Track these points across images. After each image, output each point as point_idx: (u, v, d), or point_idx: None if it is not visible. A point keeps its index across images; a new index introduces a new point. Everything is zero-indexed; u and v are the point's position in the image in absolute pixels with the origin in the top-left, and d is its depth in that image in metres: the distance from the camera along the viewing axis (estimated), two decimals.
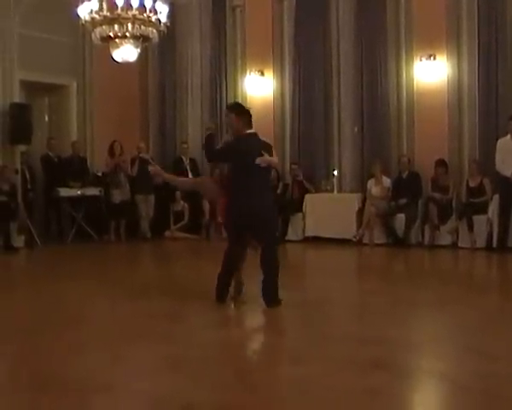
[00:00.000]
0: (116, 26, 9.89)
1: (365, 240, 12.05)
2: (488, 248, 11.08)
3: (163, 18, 10.23)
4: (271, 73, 13.92)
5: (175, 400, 3.94)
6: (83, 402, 3.96)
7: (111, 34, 10.01)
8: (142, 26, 10.01)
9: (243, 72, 14.25)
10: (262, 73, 14.00)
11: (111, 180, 13.46)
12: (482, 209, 11.27)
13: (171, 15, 10.95)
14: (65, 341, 5.37)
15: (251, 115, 7.02)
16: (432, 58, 12.11)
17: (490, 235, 11.16)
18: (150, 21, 10.05)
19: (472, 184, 11.52)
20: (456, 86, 11.93)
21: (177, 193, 13.84)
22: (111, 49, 10.45)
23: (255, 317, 6.44)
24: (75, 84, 14.37)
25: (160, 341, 5.30)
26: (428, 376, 4.50)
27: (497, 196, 11.13)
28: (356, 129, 12.89)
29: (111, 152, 13.52)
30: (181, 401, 3.91)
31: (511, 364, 4.64)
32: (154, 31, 10.24)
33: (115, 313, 6.51)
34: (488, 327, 5.77)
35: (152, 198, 13.78)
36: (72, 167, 13.56)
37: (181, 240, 13.45)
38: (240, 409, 3.88)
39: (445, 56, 12.06)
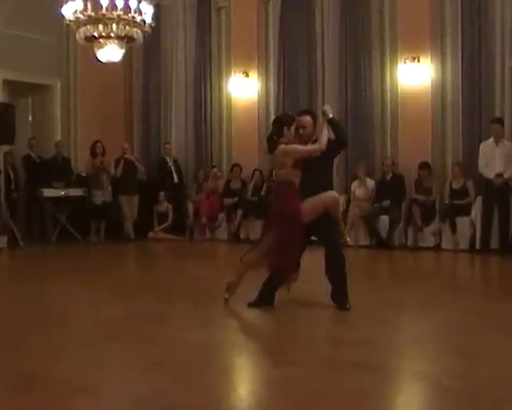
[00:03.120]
0: (100, 27, 9.89)
1: (351, 242, 12.05)
2: (471, 249, 11.15)
3: (148, 19, 10.24)
4: (256, 75, 13.93)
5: (157, 401, 3.92)
6: (65, 403, 3.93)
7: (95, 34, 10.01)
8: (127, 27, 10.02)
9: (228, 73, 14.25)
10: (246, 75, 14.00)
11: (92, 181, 13.40)
12: (465, 211, 11.34)
13: (155, 16, 10.95)
14: (47, 341, 5.33)
15: None
16: (416, 61, 12.18)
17: (473, 237, 11.24)
18: (135, 22, 10.06)
19: (455, 186, 11.59)
20: (440, 89, 12.01)
21: (161, 194, 13.83)
22: (95, 50, 10.44)
23: (239, 318, 6.43)
24: (59, 84, 14.31)
25: (143, 341, 5.28)
26: (412, 377, 4.51)
27: (480, 198, 11.21)
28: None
29: (93, 152, 13.46)
30: (163, 403, 3.89)
31: (493, 365, 4.66)
32: (139, 31, 10.25)
33: (98, 314, 6.48)
34: (471, 329, 5.79)
35: (136, 199, 13.75)
36: (55, 168, 13.50)
37: (164, 241, 13.43)
38: None
39: (428, 59, 12.13)
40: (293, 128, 6.45)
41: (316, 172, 6.45)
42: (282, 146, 6.34)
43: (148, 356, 4.88)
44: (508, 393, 4.07)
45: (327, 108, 6.77)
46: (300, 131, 6.54)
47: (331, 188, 6.78)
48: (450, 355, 4.96)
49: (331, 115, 6.66)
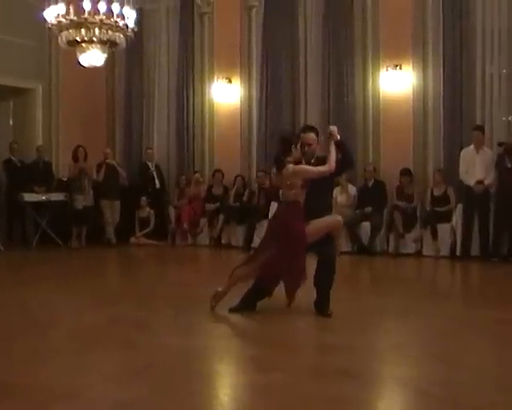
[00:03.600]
0: (83, 31, 9.86)
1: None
2: (452, 256, 11.22)
3: (130, 23, 10.21)
4: (239, 81, 13.94)
5: (139, 408, 3.91)
6: None
7: (78, 38, 9.96)
8: (110, 31, 9.98)
9: (210, 78, 14.25)
10: (229, 81, 14.02)
11: (74, 185, 13.33)
12: (446, 218, 11.41)
13: (138, 21, 10.94)
14: (27, 349, 5.29)
15: None
16: (398, 68, 12.25)
17: (453, 243, 11.31)
18: (117, 26, 10.03)
19: (436, 193, 11.66)
20: (422, 96, 12.08)
21: (143, 199, 13.79)
22: (77, 54, 10.39)
23: (221, 324, 6.42)
24: (41, 88, 14.24)
25: (125, 348, 5.26)
26: (393, 383, 4.52)
27: (460, 205, 11.29)
28: (322, 137, 12.93)
29: (75, 157, 13.39)
30: (144, 409, 3.88)
31: (474, 371, 4.69)
32: (122, 36, 10.21)
33: (79, 321, 6.44)
34: (452, 335, 5.82)
35: (118, 204, 13.71)
36: (36, 172, 13.42)
37: (146, 246, 13.39)
38: None
39: (410, 66, 12.21)
40: (298, 146, 6.45)
41: (319, 192, 6.47)
42: (291, 166, 6.31)
43: (129, 363, 4.86)
44: (488, 399, 4.10)
45: (334, 128, 6.69)
46: (306, 148, 6.53)
47: (331, 206, 6.83)
48: (431, 361, 4.99)
49: (339, 137, 6.63)
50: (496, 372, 4.75)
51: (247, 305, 6.60)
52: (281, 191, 6.77)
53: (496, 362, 5.03)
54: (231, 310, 6.59)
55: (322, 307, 6.50)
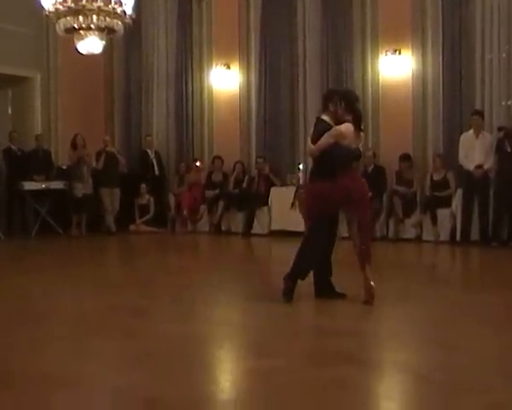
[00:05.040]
0: (81, 18, 9.84)
1: None
2: (451, 241, 11.23)
3: (128, 10, 10.20)
4: (237, 67, 13.91)
5: (139, 394, 3.92)
6: (46, 398, 3.92)
7: (75, 26, 9.94)
8: (107, 18, 9.97)
9: (209, 65, 14.23)
10: (228, 67, 13.99)
11: (73, 173, 13.32)
12: (446, 203, 11.41)
13: (136, 7, 10.92)
14: (28, 337, 5.30)
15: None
16: (397, 53, 12.22)
17: (453, 228, 11.32)
18: (115, 13, 10.02)
19: (436, 178, 11.65)
20: (421, 81, 12.06)
21: (143, 186, 13.80)
22: (75, 41, 10.38)
23: (221, 311, 6.43)
24: (39, 77, 14.20)
25: (125, 335, 5.27)
26: (393, 368, 4.53)
27: (460, 190, 11.28)
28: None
29: (73, 145, 13.38)
30: (145, 395, 3.89)
31: (473, 356, 4.70)
32: (120, 23, 10.21)
33: (79, 308, 6.45)
34: (451, 320, 5.83)
35: (117, 192, 13.70)
36: (36, 161, 13.41)
37: (146, 234, 13.41)
38: (204, 403, 3.88)
39: (409, 51, 12.18)
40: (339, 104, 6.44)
41: None
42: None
43: (129, 350, 4.87)
44: (488, 383, 4.10)
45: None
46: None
47: None
48: (431, 346, 4.99)
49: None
50: (495, 357, 4.76)
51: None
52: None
53: (495, 346, 5.04)
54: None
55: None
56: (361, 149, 6.65)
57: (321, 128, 6.42)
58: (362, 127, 6.48)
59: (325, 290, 6.57)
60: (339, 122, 6.32)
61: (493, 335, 5.39)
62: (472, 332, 5.46)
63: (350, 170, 6.34)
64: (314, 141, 6.42)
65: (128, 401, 3.85)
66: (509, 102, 11.46)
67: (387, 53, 12.29)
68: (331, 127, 6.34)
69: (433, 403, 3.81)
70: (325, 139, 6.27)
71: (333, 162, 6.24)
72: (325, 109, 6.56)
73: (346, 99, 6.44)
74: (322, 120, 6.50)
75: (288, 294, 6.41)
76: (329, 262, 6.66)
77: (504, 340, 5.17)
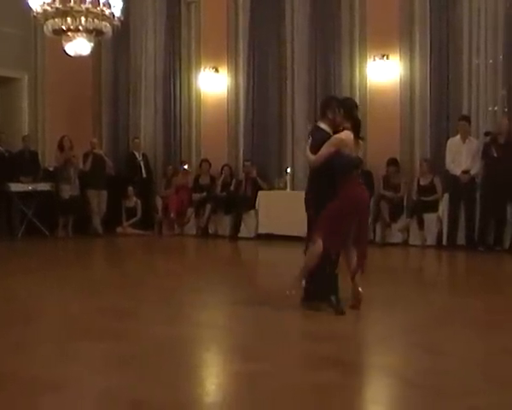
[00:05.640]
0: (69, 19, 9.79)
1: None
2: (438, 245, 11.27)
3: (117, 12, 10.16)
4: (226, 70, 13.91)
5: (124, 396, 3.91)
6: (33, 400, 3.90)
7: (63, 27, 9.90)
8: (96, 20, 9.92)
9: (197, 68, 14.22)
10: (216, 70, 13.99)
11: (60, 175, 13.27)
12: (432, 207, 11.46)
13: (125, 10, 10.88)
14: (14, 339, 5.28)
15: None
16: (385, 58, 12.25)
17: (440, 233, 11.36)
18: (104, 15, 9.97)
19: (423, 183, 11.69)
20: (409, 86, 12.09)
21: (130, 189, 13.76)
22: (63, 43, 10.34)
23: (208, 314, 6.42)
24: (26, 78, 14.13)
25: (111, 338, 5.25)
26: (379, 372, 4.55)
27: (447, 195, 11.33)
28: (309, 127, 12.96)
29: (60, 147, 13.33)
30: (130, 398, 3.88)
31: (459, 360, 4.73)
32: (108, 25, 10.16)
33: (65, 310, 6.43)
34: (437, 324, 5.85)
35: (104, 194, 13.66)
36: (22, 162, 13.33)
37: (133, 236, 13.37)
38: (190, 405, 3.88)
39: (397, 56, 12.21)
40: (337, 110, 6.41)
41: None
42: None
43: (116, 352, 4.85)
44: (474, 387, 4.13)
45: None
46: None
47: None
48: (418, 350, 5.01)
49: None
50: (481, 361, 4.78)
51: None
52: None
53: (480, 351, 5.07)
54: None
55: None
56: (361, 158, 6.55)
57: (319, 137, 6.35)
58: (361, 135, 6.37)
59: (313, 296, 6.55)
60: (337, 130, 6.26)
61: (478, 339, 5.42)
62: (457, 336, 5.48)
63: (351, 178, 6.24)
64: (313, 150, 6.31)
65: (115, 403, 3.85)
66: (495, 108, 11.52)
67: (375, 58, 12.33)
68: (329, 136, 6.27)
69: (418, 407, 3.82)
70: (326, 149, 6.18)
71: (333, 171, 6.17)
72: (323, 117, 6.49)
73: (344, 106, 6.40)
74: (320, 128, 6.44)
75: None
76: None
77: (489, 344, 5.20)
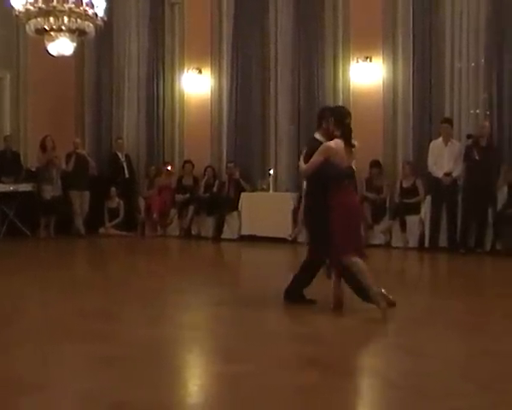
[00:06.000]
0: (51, 19, 9.75)
1: (300, 239, 12.13)
2: (420, 247, 11.32)
3: (100, 12, 10.12)
4: (209, 72, 13.90)
5: (105, 398, 3.89)
6: (15, 402, 3.87)
7: (46, 27, 9.85)
8: (79, 20, 9.89)
9: (181, 69, 14.21)
10: (200, 71, 13.98)
11: (42, 176, 13.21)
12: (415, 210, 11.51)
13: (108, 10, 10.84)
14: None
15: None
16: (368, 60, 12.29)
17: (422, 235, 11.41)
18: (87, 15, 9.94)
19: (405, 185, 11.74)
20: (392, 89, 12.14)
21: (112, 190, 13.71)
22: (46, 42, 10.29)
23: (190, 315, 6.41)
24: (8, 77, 14.06)
25: (93, 339, 5.22)
26: (361, 373, 4.56)
27: (429, 197, 11.38)
28: (292, 127, 13.01)
29: (43, 147, 13.26)
30: (111, 399, 3.86)
31: (441, 362, 4.75)
32: (91, 25, 10.13)
33: (46, 312, 6.39)
34: (419, 325, 5.87)
35: (87, 194, 13.61)
36: (4, 162, 13.26)
37: (115, 237, 13.33)
38: (173, 407, 3.87)
39: (380, 59, 12.25)
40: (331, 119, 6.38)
41: None
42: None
43: (97, 354, 4.82)
44: (455, 389, 4.15)
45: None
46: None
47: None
48: (399, 352, 5.03)
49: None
50: (462, 362, 4.81)
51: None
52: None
53: (463, 353, 5.09)
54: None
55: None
56: (354, 168, 6.43)
57: (312, 147, 6.37)
58: (354, 143, 6.27)
59: (295, 296, 6.58)
60: (331, 139, 6.23)
61: (460, 341, 5.45)
62: (439, 338, 5.50)
63: (342, 187, 6.20)
64: (306, 160, 6.33)
65: (96, 404, 3.83)
66: (477, 111, 11.59)
67: (358, 60, 12.36)
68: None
69: (400, 409, 3.83)
70: (315, 157, 6.18)
71: (326, 180, 6.15)
72: (318, 127, 6.53)
73: (335, 114, 6.40)
74: (315, 138, 6.47)
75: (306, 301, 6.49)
76: (314, 276, 6.63)
77: (470, 346, 5.23)
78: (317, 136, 6.47)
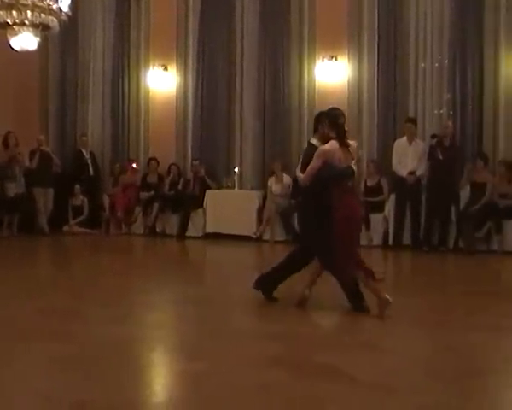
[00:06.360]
0: (14, 13, 9.62)
1: (265, 237, 12.16)
2: (384, 245, 11.40)
3: (64, 7, 10.01)
4: (175, 68, 13.84)
5: (66, 398, 3.83)
6: None
7: (8, 21, 9.71)
8: (42, 14, 9.76)
9: (146, 65, 14.10)
10: (165, 68, 13.90)
11: (5, 173, 13.02)
12: (379, 208, 11.59)
13: (73, 5, 10.72)
14: None
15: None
16: (333, 59, 12.34)
17: (386, 233, 11.50)
18: (51, 10, 9.82)
19: (369, 184, 11.81)
20: (356, 88, 12.21)
21: (77, 187, 13.58)
22: (8, 37, 10.15)
23: (154, 314, 6.37)
24: None
25: (54, 339, 5.15)
26: (325, 371, 4.56)
27: (393, 196, 11.48)
28: (257, 124, 13.01)
29: (5, 144, 13.07)
30: (72, 399, 3.81)
31: (405, 358, 4.79)
32: (55, 19, 10.01)
33: (7, 311, 6.28)
34: (383, 322, 5.89)
35: (51, 192, 13.45)
36: None
37: (80, 235, 13.20)
38: (136, 406, 3.83)
39: (346, 58, 12.31)
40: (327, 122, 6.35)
41: None
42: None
43: (58, 353, 4.75)
44: (418, 384, 4.18)
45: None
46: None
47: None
48: (363, 349, 5.05)
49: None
50: (426, 359, 4.85)
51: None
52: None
53: (425, 349, 5.13)
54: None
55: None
56: (354, 167, 6.29)
57: (308, 153, 6.33)
58: (349, 142, 6.20)
59: (265, 287, 6.55)
60: (326, 142, 6.18)
61: (425, 338, 5.49)
62: (404, 335, 5.55)
63: (344, 190, 6.12)
64: (303, 168, 6.27)
65: (56, 404, 3.77)
66: (441, 111, 11.71)
67: (324, 59, 12.41)
68: None
69: (366, 406, 3.84)
70: (312, 163, 6.11)
71: (325, 181, 6.07)
72: (315, 132, 6.49)
73: (329, 116, 6.35)
74: (311, 143, 6.44)
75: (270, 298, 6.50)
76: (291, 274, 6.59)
77: (435, 343, 5.28)
78: (314, 141, 6.43)
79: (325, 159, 6.05)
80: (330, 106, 12.14)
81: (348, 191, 6.18)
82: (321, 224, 6.16)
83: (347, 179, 6.18)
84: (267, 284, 6.57)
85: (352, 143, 6.26)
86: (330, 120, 6.26)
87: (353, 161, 6.28)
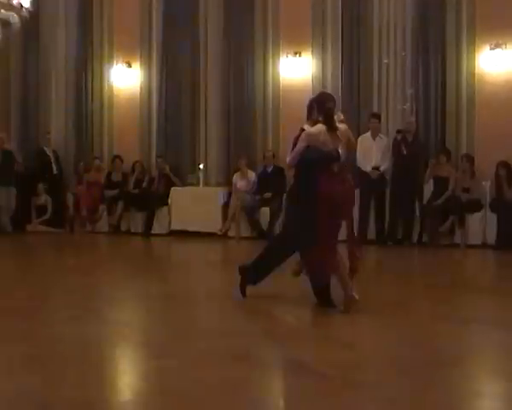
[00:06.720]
0: None
1: (231, 233, 12.15)
2: None
3: (26, 3, 9.88)
4: (138, 65, 13.75)
5: (30, 400, 3.77)
6: None
7: None
8: (2, 10, 9.63)
9: (110, 62, 13.99)
10: (129, 65, 13.81)
11: None
12: None
13: (35, 0, 10.59)
14: None
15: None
16: (297, 55, 12.36)
17: None
18: (11, 5, 9.69)
19: None
20: (320, 83, 12.24)
21: (40, 186, 13.44)
22: None
23: (116, 311, 6.32)
24: None
25: (13, 338, 5.07)
26: (288, 366, 4.56)
27: (357, 191, 11.48)
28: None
29: None
30: (35, 400, 3.75)
31: (370, 352, 4.82)
32: (16, 16, 9.88)
33: None
34: (347, 317, 5.89)
35: (13, 190, 13.30)
36: None
37: (43, 234, 13.06)
38: (98, 406, 3.79)
39: (310, 54, 12.34)
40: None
41: None
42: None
43: (17, 353, 4.66)
44: (384, 378, 4.19)
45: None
46: None
47: None
48: (327, 343, 5.07)
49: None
50: (391, 352, 4.87)
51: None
52: None
53: (390, 342, 5.15)
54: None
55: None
56: (340, 151, 6.10)
57: (297, 137, 6.31)
58: (336, 126, 6.10)
59: (250, 276, 6.48)
60: None
61: (389, 330, 5.52)
62: (368, 329, 5.58)
63: (331, 173, 6.03)
64: (291, 151, 6.24)
65: (18, 407, 3.71)
66: (404, 106, 11.80)
67: (288, 55, 12.42)
68: None
69: (332, 401, 3.83)
70: (298, 145, 6.09)
71: (312, 168, 6.01)
72: (308, 119, 6.46)
73: (317, 101, 6.34)
74: (302, 129, 6.39)
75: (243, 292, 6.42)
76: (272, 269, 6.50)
77: (399, 335, 5.31)
78: (305, 126, 6.38)
79: (309, 141, 6.02)
80: (294, 101, 12.33)
81: (332, 175, 6.06)
82: (304, 209, 6.11)
83: (331, 163, 6.07)
84: (251, 274, 6.47)
85: (340, 126, 6.19)
86: (318, 105, 6.25)
87: (341, 145, 6.15)
